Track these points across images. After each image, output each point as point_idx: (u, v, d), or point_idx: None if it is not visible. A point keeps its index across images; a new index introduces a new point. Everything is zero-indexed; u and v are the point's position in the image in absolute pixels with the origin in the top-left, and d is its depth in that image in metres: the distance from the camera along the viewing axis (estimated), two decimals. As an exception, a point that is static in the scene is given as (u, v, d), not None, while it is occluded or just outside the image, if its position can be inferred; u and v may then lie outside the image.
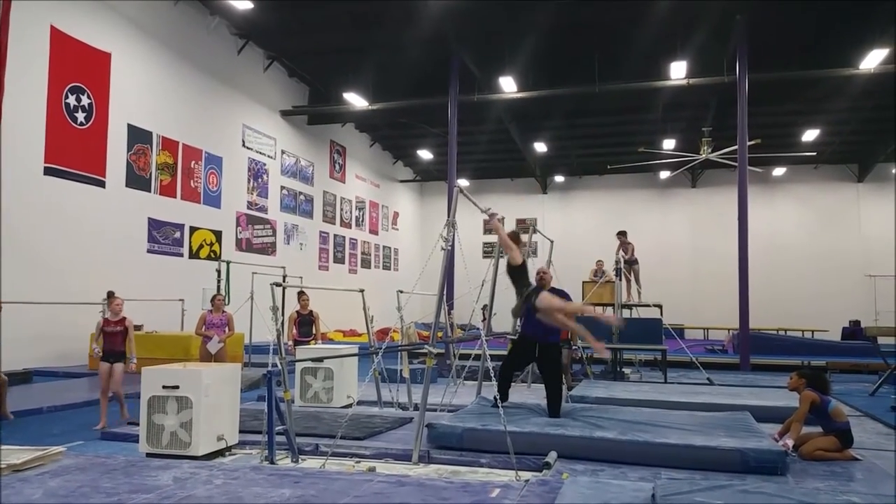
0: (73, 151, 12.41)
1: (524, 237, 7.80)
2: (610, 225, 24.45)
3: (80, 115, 12.61)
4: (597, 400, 7.55)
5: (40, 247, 11.69)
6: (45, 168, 11.88)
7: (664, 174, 24.14)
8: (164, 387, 5.35)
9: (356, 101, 18.41)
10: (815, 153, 22.01)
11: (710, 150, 18.47)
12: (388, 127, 23.81)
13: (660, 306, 11.97)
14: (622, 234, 13.79)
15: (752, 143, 15.15)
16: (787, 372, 12.48)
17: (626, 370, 11.69)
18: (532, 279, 6.43)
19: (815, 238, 25.58)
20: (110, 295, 8.75)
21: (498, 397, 5.38)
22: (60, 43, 12.16)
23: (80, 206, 12.56)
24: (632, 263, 13.34)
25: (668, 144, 21.24)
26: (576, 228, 27.18)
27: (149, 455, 5.28)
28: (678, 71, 16.00)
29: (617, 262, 11.67)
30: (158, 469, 4.53)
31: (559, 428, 5.53)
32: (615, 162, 22.46)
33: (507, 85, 17.10)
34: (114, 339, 7.39)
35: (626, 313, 12.07)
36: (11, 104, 11.07)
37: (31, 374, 10.70)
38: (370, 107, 18.67)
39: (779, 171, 25.40)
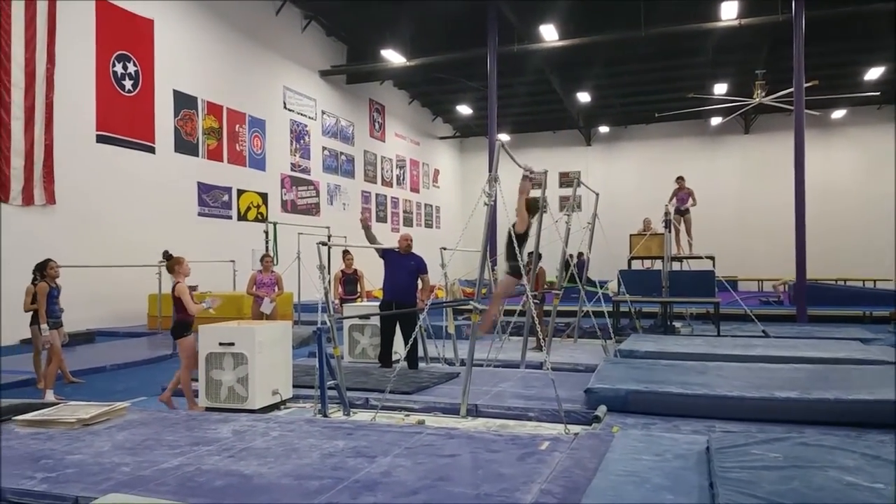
0: (123, 118, 12.67)
1: (568, 191, 7.76)
2: (658, 175, 23.85)
3: (128, 83, 12.81)
4: (646, 354, 7.43)
5: (97, 212, 12.08)
6: (98, 136, 12.19)
7: (715, 121, 23.23)
8: (220, 344, 5.51)
9: (394, 57, 18.18)
10: (878, 93, 20.79)
11: (763, 94, 17.62)
12: (426, 83, 23.49)
13: (712, 258, 11.66)
14: (680, 180, 13.36)
15: (809, 84, 14.37)
16: (846, 323, 12.20)
17: (677, 324, 11.49)
18: (524, 252, 6.50)
19: (876, 183, 24.32)
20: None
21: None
22: (105, 12, 12.31)
23: (133, 171, 12.88)
24: (683, 213, 12.95)
25: (720, 89, 20.36)
26: (622, 180, 26.59)
27: (208, 409, 5.48)
28: (729, 11, 15.20)
29: (666, 214, 11.34)
30: (218, 422, 4.69)
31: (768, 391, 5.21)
32: (662, 109, 21.70)
33: (548, 33, 16.57)
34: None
35: (676, 266, 11.78)
36: (62, 74, 11.39)
37: (94, 335, 11.20)
38: (408, 63, 18.42)
39: (838, 114, 24.13)
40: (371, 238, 7.74)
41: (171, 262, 6.07)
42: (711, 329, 10.45)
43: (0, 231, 10.32)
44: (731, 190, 25.82)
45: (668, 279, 10.75)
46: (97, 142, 12.18)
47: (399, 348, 8.12)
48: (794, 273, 13.60)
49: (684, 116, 21.47)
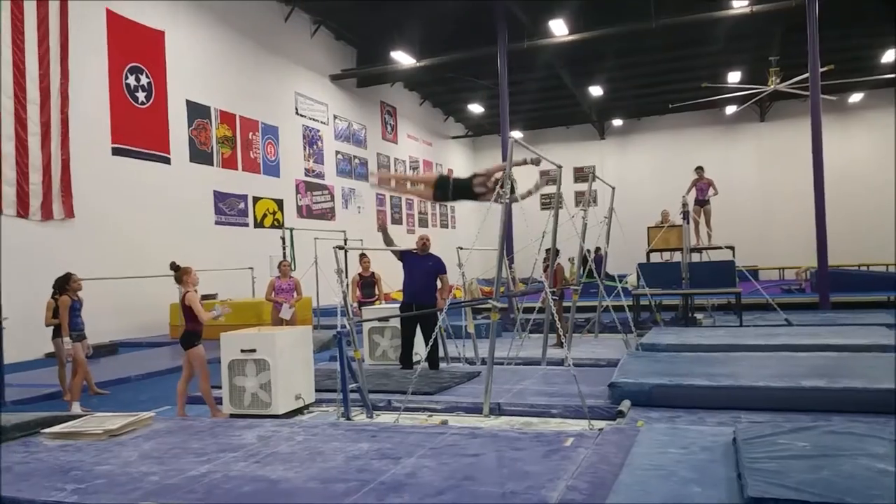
0: (138, 130, 12.81)
1: (583, 186, 7.70)
2: (673, 166, 23.67)
3: (141, 95, 12.96)
4: (668, 347, 7.37)
5: (115, 224, 12.22)
6: (113, 148, 12.33)
7: (730, 109, 22.99)
8: (242, 350, 5.55)
9: (403, 59, 18.20)
10: (894, 75, 20.40)
11: (778, 81, 17.39)
12: (436, 83, 23.51)
13: (732, 248, 11.52)
14: (699, 170, 13.31)
15: (825, 69, 14.14)
16: (870, 309, 12.00)
17: (699, 315, 11.38)
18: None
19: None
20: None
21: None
22: (116, 25, 12.45)
23: (149, 182, 13.02)
24: (703, 204, 12.85)
25: (733, 77, 20.14)
26: (637, 172, 26.42)
27: (232, 416, 5.52)
28: (740, -2, 15.04)
29: (684, 206, 11.24)
30: (242, 429, 4.72)
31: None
32: (676, 100, 21.51)
33: (558, 28, 16.49)
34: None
35: (696, 257, 11.67)
36: (76, 89, 11.53)
37: (118, 346, 11.33)
38: (418, 64, 18.44)
39: (855, 98, 23.75)
40: (388, 241, 7.76)
41: (179, 273, 6.13)
42: (733, 320, 10.34)
43: (0, 241, 10.36)
44: (749, 178, 25.52)
45: (687, 271, 10.66)
46: (113, 154, 12.32)
47: (420, 349, 8.15)
48: (815, 260, 13.40)
49: (699, 106, 21.28)
